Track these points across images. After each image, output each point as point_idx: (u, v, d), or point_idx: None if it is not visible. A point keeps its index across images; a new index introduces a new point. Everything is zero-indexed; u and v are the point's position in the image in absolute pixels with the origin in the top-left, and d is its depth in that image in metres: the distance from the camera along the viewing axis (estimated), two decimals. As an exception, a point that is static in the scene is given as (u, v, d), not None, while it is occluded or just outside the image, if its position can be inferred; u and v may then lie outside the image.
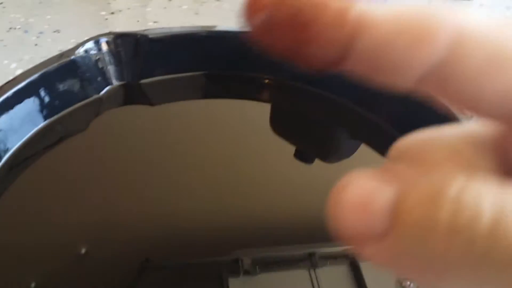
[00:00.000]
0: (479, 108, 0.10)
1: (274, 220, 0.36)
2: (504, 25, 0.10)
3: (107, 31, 0.57)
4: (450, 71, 0.09)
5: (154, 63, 0.45)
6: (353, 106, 0.44)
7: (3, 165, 0.36)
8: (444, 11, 0.10)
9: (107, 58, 0.43)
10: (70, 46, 0.58)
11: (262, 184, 0.39)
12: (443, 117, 0.38)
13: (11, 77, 0.54)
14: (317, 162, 0.40)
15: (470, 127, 0.11)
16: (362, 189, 0.10)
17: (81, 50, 0.41)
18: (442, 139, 0.10)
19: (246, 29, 0.11)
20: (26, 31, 0.62)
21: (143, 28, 0.61)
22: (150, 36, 0.43)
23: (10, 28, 0.62)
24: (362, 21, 0.10)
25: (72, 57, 0.40)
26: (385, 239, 0.09)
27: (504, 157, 0.10)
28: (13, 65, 0.56)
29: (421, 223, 0.09)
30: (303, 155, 0.40)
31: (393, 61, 0.10)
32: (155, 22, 0.65)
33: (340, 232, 0.10)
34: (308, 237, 0.34)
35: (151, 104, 0.45)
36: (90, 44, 0.41)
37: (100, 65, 0.42)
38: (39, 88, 0.39)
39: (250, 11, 0.11)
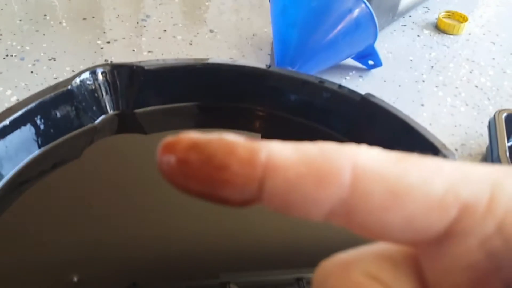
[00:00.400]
0: (385, 236, 0.11)
1: (261, 244, 0.36)
2: (398, 160, 0.11)
3: (102, 59, 0.59)
4: (354, 205, 0.11)
5: (149, 93, 0.46)
6: (342, 137, 0.45)
7: (-2, 192, 0.36)
8: (344, 150, 0.11)
9: (103, 88, 0.43)
10: (66, 74, 0.59)
11: (251, 209, 0.39)
12: (430, 148, 0.39)
13: (6, 104, 0.55)
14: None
15: (388, 246, 0.12)
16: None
17: (77, 80, 0.41)
18: (363, 261, 0.11)
19: (161, 170, 0.12)
20: (22, 59, 0.63)
21: (138, 57, 0.63)
22: (145, 67, 0.45)
23: (7, 55, 0.63)
24: (271, 163, 0.11)
25: (69, 87, 0.41)
26: None
27: (420, 275, 0.11)
28: (8, 92, 0.57)
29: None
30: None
31: (301, 199, 0.11)
32: (149, 51, 0.67)
33: None
34: (296, 262, 0.35)
35: (145, 132, 0.46)
36: (86, 74, 0.42)
37: (95, 94, 0.43)
38: (35, 117, 0.39)
39: (163, 153, 0.11)
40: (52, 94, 0.40)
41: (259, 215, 0.39)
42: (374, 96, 0.44)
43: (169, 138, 0.11)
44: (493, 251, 0.10)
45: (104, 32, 0.70)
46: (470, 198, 0.10)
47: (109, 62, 0.62)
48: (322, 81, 0.46)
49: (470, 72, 0.69)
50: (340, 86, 0.45)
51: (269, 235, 0.37)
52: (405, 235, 0.11)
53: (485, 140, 0.57)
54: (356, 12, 0.58)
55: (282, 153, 0.11)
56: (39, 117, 0.40)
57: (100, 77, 0.43)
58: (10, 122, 0.37)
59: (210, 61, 0.47)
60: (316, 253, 0.37)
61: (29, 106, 0.39)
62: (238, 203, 0.11)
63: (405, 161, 0.11)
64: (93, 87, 0.43)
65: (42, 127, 0.40)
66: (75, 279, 0.32)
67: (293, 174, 0.11)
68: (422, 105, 0.62)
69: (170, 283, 0.33)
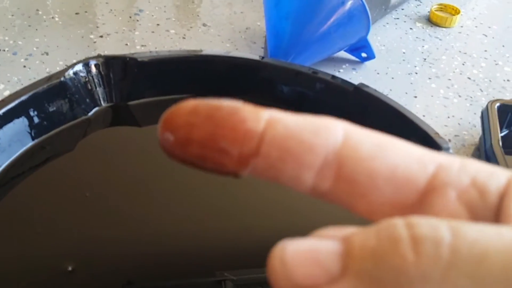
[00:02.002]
0: (371, 191, 0.12)
1: (257, 241, 0.36)
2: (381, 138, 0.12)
3: (95, 54, 0.59)
4: (346, 155, 0.12)
5: (142, 85, 0.46)
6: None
7: (-9, 183, 0.36)
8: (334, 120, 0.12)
9: (96, 80, 0.43)
10: (59, 68, 0.59)
11: (246, 206, 0.39)
12: (423, 136, 0.39)
13: (-1, 98, 0.55)
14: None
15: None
16: (305, 244, 0.10)
17: (70, 72, 0.41)
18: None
19: (163, 143, 0.12)
20: (14, 53, 0.63)
21: (131, 51, 0.63)
22: (138, 59, 0.44)
23: (-1, 50, 0.63)
24: (273, 117, 0.12)
25: (62, 78, 0.41)
26: (340, 281, 0.10)
27: None
28: (1, 86, 0.57)
29: (378, 251, 0.10)
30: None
31: (299, 145, 0.12)
32: (143, 45, 0.66)
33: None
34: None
35: (139, 125, 0.46)
36: (79, 67, 0.42)
37: (89, 87, 0.43)
38: (29, 109, 0.39)
39: (164, 129, 0.12)
40: (45, 86, 0.40)
41: (255, 213, 0.39)
42: (367, 86, 0.44)
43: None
44: (470, 203, 0.11)
45: (97, 27, 0.70)
46: (444, 160, 0.12)
47: (102, 56, 0.62)
48: (315, 72, 0.46)
49: (463, 64, 0.69)
50: (333, 76, 0.46)
51: (265, 232, 0.37)
52: (390, 189, 0.11)
53: (478, 131, 0.57)
54: (349, 4, 0.58)
55: (283, 113, 0.12)
56: (32, 109, 0.40)
57: (93, 69, 0.43)
58: (2, 114, 0.37)
59: (204, 52, 0.47)
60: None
61: (22, 98, 0.39)
62: (235, 161, 0.12)
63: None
64: (86, 79, 0.43)
65: (35, 119, 0.40)
66: (69, 269, 0.32)
67: (293, 123, 0.12)
68: (415, 96, 0.62)
69: (165, 281, 0.33)
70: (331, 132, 0.12)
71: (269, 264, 0.11)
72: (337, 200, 0.12)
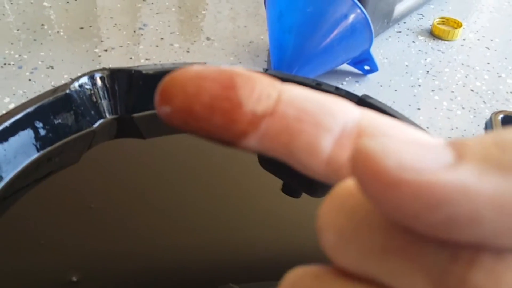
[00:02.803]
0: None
1: (261, 255, 0.36)
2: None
3: (100, 67, 0.59)
4: (365, 126, 0.11)
5: (147, 97, 0.46)
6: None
7: (-3, 195, 0.36)
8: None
9: (101, 92, 0.44)
10: (64, 82, 0.59)
11: (249, 218, 0.39)
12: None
13: (4, 111, 0.55)
14: (304, 196, 0.41)
15: None
16: (397, 140, 0.09)
17: (76, 85, 0.42)
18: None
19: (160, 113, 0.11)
20: (20, 67, 0.63)
21: (135, 64, 0.63)
22: (143, 71, 0.45)
23: (4, 64, 0.63)
24: (288, 85, 0.11)
25: (67, 91, 0.41)
26: (460, 165, 0.08)
27: None
28: (7, 99, 0.57)
29: (500, 140, 0.09)
30: (291, 190, 0.41)
31: (318, 107, 0.11)
32: (147, 59, 0.67)
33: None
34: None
35: (143, 137, 0.46)
36: (85, 79, 0.42)
37: (94, 99, 0.43)
38: (34, 121, 0.39)
39: (160, 100, 0.11)
40: (51, 98, 0.40)
41: (259, 225, 0.39)
42: (371, 98, 0.44)
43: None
44: None
45: (102, 41, 0.70)
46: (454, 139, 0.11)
47: (106, 69, 0.62)
48: (319, 84, 0.46)
49: (466, 77, 0.70)
50: (337, 88, 0.46)
51: (270, 246, 0.37)
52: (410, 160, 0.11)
53: (481, 143, 0.57)
54: (352, 17, 0.58)
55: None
56: (37, 121, 0.40)
57: (98, 81, 0.44)
58: (9, 126, 0.38)
59: (208, 65, 0.47)
60: (317, 263, 0.37)
61: (28, 110, 0.39)
62: (247, 117, 0.11)
63: None
64: (92, 91, 0.43)
65: (40, 131, 0.40)
66: (74, 279, 0.32)
67: (309, 92, 0.11)
68: (419, 109, 0.62)
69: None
70: (348, 105, 0.11)
71: (358, 148, 0.09)
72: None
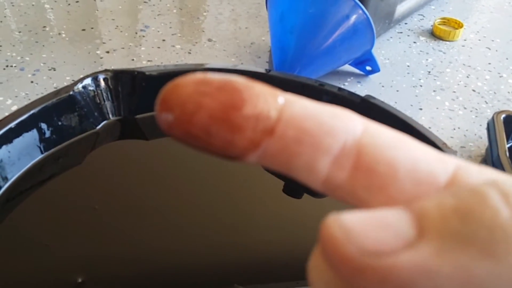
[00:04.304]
0: (393, 182, 0.11)
1: (265, 256, 0.36)
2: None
3: (102, 69, 0.59)
4: (366, 143, 0.11)
5: (150, 98, 0.46)
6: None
7: (1, 196, 0.36)
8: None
9: (104, 94, 0.44)
10: (66, 83, 0.60)
11: (252, 220, 0.39)
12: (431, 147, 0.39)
13: (7, 113, 0.55)
14: (306, 196, 0.41)
15: None
16: (364, 214, 0.09)
17: (79, 86, 0.42)
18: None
19: (160, 123, 0.11)
20: (22, 69, 0.63)
21: (137, 66, 0.63)
22: (146, 73, 0.45)
23: (7, 66, 0.63)
24: (291, 98, 0.11)
25: (71, 92, 0.41)
26: (419, 244, 0.09)
27: None
28: (9, 101, 0.57)
29: (462, 207, 0.09)
30: (292, 190, 0.41)
31: (318, 126, 0.11)
32: (149, 61, 0.67)
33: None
34: (300, 274, 0.35)
35: (146, 138, 0.46)
36: (88, 81, 0.42)
37: (97, 100, 0.43)
38: (38, 122, 0.39)
39: (168, 99, 0.11)
40: (55, 100, 0.40)
41: (263, 227, 0.39)
42: (374, 98, 0.44)
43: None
44: None
45: (103, 43, 0.70)
46: (462, 162, 0.11)
47: (109, 71, 0.62)
48: (322, 84, 0.46)
49: (467, 77, 0.70)
50: (340, 88, 0.46)
51: (273, 247, 0.37)
52: (410, 184, 0.11)
53: (484, 142, 0.57)
54: (353, 18, 0.58)
55: (299, 97, 0.11)
56: (42, 122, 0.40)
57: (102, 83, 0.44)
58: (13, 127, 0.38)
59: (210, 65, 0.47)
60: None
61: (32, 112, 0.39)
62: (246, 139, 0.11)
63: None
64: (95, 93, 0.43)
65: (44, 132, 0.40)
66: (79, 281, 0.32)
67: (311, 105, 0.11)
68: (421, 109, 0.62)
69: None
70: (350, 119, 0.11)
71: (325, 234, 0.09)
72: (351, 196, 0.11)
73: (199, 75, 0.11)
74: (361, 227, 0.09)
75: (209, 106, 0.10)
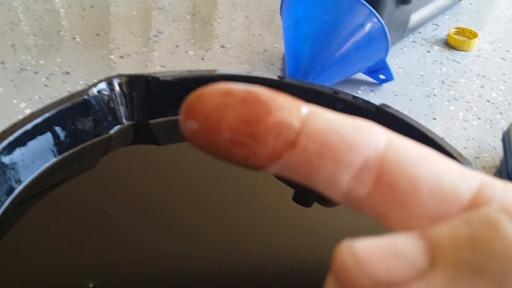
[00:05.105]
0: (415, 200, 0.10)
1: (274, 264, 0.36)
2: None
3: (115, 74, 0.59)
4: (388, 159, 0.11)
5: (164, 104, 0.46)
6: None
7: (14, 199, 0.36)
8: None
9: (119, 98, 0.44)
10: (79, 88, 0.60)
11: (263, 227, 0.39)
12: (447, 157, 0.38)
13: (20, 116, 0.55)
14: (316, 205, 0.41)
15: None
16: (377, 241, 0.09)
17: (94, 90, 0.42)
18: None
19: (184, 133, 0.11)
20: (36, 73, 0.63)
21: (151, 71, 0.63)
22: (160, 78, 0.45)
23: (21, 69, 0.64)
24: (314, 110, 0.11)
25: (85, 96, 0.41)
26: (431, 274, 0.09)
27: None
28: (23, 105, 0.58)
29: (475, 237, 0.09)
30: (302, 199, 0.41)
31: (340, 141, 0.11)
32: (162, 66, 0.67)
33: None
34: (309, 283, 0.34)
35: (158, 143, 0.46)
36: (103, 85, 0.43)
37: (111, 105, 0.43)
38: (53, 126, 0.39)
39: (191, 109, 0.11)
40: (69, 103, 0.40)
41: (273, 235, 0.39)
42: (389, 107, 0.44)
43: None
44: None
45: (117, 48, 0.71)
46: (486, 178, 0.11)
47: (122, 76, 0.63)
48: (336, 92, 0.46)
49: (482, 87, 0.69)
50: (354, 97, 0.46)
51: (283, 255, 0.37)
52: (432, 201, 0.10)
53: (498, 153, 0.56)
54: (368, 26, 0.58)
55: (322, 109, 0.11)
56: (56, 126, 0.40)
57: (116, 87, 0.44)
58: (27, 131, 0.38)
59: (224, 72, 0.47)
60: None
61: (46, 115, 0.39)
62: (268, 151, 0.11)
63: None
64: (109, 97, 0.43)
65: (58, 136, 0.40)
66: (90, 286, 0.32)
67: (334, 118, 0.11)
68: (434, 118, 0.62)
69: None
70: (374, 133, 0.11)
71: (337, 263, 0.09)
72: (371, 210, 0.11)
73: (223, 86, 0.11)
74: (373, 256, 0.09)
75: (232, 118, 0.11)
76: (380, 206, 0.11)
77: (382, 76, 0.66)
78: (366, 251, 0.09)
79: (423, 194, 0.10)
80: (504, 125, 0.61)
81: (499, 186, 0.11)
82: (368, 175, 0.11)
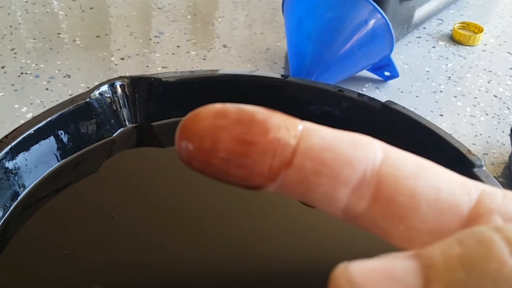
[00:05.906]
0: (414, 215, 0.10)
1: (282, 265, 0.35)
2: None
3: (117, 76, 0.59)
4: (386, 174, 0.11)
5: (166, 105, 0.45)
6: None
7: (18, 204, 0.36)
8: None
9: (121, 100, 0.43)
10: (81, 91, 0.59)
11: (270, 228, 0.38)
12: (455, 153, 0.38)
13: (22, 120, 0.55)
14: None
15: None
16: (372, 263, 0.09)
17: (96, 93, 0.41)
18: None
19: (180, 152, 0.11)
20: (37, 76, 0.63)
21: (152, 72, 0.63)
22: (163, 79, 0.44)
23: (21, 73, 0.63)
24: (309, 127, 0.11)
25: (88, 99, 0.41)
26: None
27: None
28: (24, 109, 0.57)
29: (468, 258, 0.09)
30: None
31: (336, 158, 0.11)
32: (164, 67, 0.66)
33: None
34: (316, 284, 0.34)
35: (162, 146, 0.46)
36: (105, 87, 0.42)
37: (114, 107, 0.43)
38: (55, 130, 0.39)
39: (185, 133, 0.11)
40: (72, 106, 0.40)
41: (281, 236, 0.38)
42: (395, 103, 0.43)
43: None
44: None
45: (118, 49, 0.70)
46: (486, 187, 0.11)
47: (124, 77, 0.62)
48: (341, 90, 0.45)
49: (488, 82, 0.68)
50: (359, 94, 0.45)
51: (290, 256, 0.36)
52: (432, 214, 0.10)
53: (507, 149, 0.55)
54: (372, 22, 0.57)
55: (317, 125, 0.11)
56: (59, 130, 0.39)
57: (118, 89, 0.43)
58: (30, 135, 0.37)
59: (227, 72, 0.46)
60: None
61: (49, 119, 0.38)
62: (265, 172, 0.11)
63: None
64: (112, 100, 0.43)
65: (61, 140, 0.40)
66: (97, 293, 0.31)
67: (329, 135, 0.11)
68: (441, 115, 0.61)
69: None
70: (370, 148, 0.11)
71: (333, 287, 0.09)
72: (371, 225, 0.11)
73: (217, 107, 0.11)
74: (368, 280, 0.09)
75: (226, 140, 0.11)
76: (380, 221, 0.11)
77: (387, 73, 0.65)
78: (361, 275, 0.09)
79: (422, 207, 0.10)
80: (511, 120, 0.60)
81: (500, 195, 0.11)
82: (366, 191, 0.11)
